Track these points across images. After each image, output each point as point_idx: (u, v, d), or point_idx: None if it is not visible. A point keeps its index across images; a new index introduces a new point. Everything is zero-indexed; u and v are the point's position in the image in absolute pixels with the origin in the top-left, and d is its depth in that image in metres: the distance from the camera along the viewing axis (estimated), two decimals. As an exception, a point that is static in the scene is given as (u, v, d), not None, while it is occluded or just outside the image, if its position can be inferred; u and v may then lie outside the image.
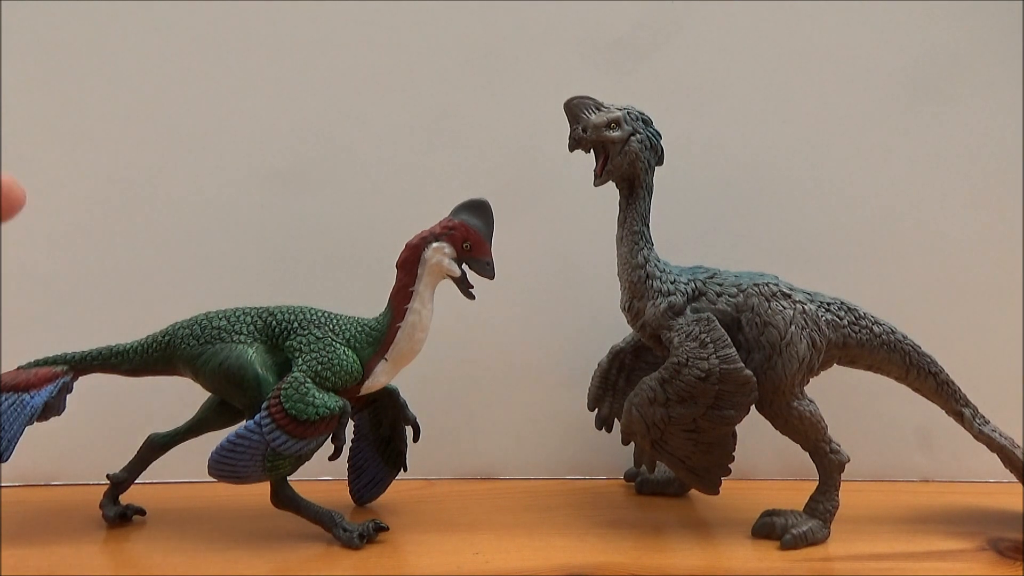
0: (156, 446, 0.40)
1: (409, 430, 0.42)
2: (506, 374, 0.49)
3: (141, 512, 0.40)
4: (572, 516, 0.42)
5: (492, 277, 0.38)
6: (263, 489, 0.38)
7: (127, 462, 0.40)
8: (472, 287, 0.38)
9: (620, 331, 0.48)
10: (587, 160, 0.39)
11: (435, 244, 0.37)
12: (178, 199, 0.46)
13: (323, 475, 0.42)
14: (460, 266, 0.38)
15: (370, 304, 0.40)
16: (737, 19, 0.49)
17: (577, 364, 0.49)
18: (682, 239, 0.47)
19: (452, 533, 0.39)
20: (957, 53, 0.50)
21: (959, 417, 0.41)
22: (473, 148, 0.48)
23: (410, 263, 0.38)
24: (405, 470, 0.43)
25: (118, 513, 0.39)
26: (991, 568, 0.37)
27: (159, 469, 0.41)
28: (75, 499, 0.44)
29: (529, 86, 0.48)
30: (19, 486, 0.45)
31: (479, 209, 0.38)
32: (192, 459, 0.42)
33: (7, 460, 0.36)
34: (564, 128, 0.39)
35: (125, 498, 0.40)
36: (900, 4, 0.50)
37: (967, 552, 0.38)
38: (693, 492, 0.45)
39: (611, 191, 0.40)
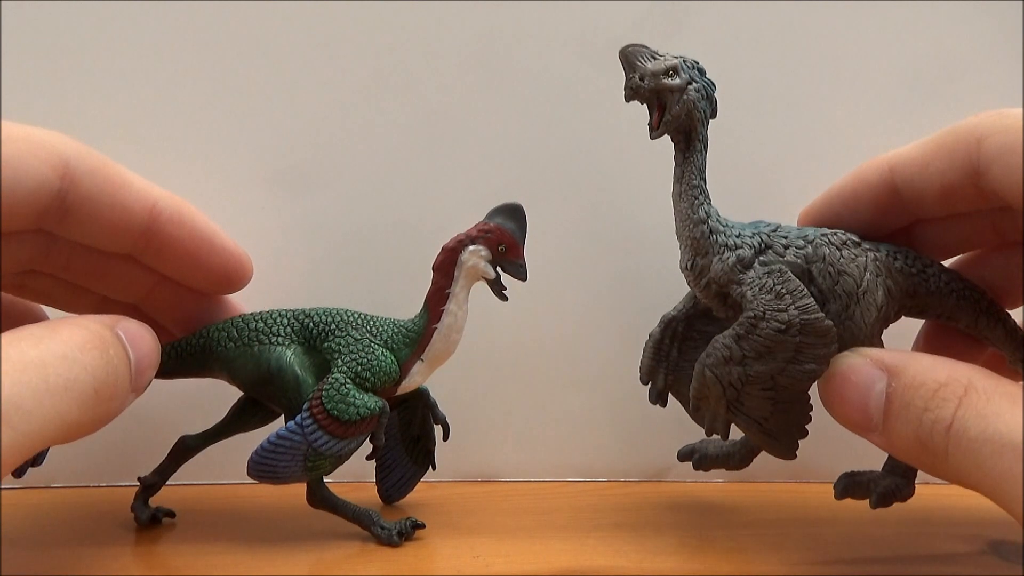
0: (187, 448, 0.41)
1: (439, 429, 0.43)
2: (507, 375, 0.48)
3: (171, 514, 0.41)
4: (574, 519, 0.42)
5: (525, 279, 0.39)
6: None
7: (154, 464, 0.41)
8: (505, 288, 0.39)
9: (621, 331, 0.48)
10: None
11: (472, 247, 0.38)
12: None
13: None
14: (495, 268, 0.38)
15: (372, 305, 0.40)
16: (737, 20, 0.49)
17: (579, 365, 0.49)
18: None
19: (452, 536, 0.39)
20: (957, 53, 0.50)
21: None
22: (473, 148, 0.48)
23: (447, 265, 0.38)
24: (434, 468, 0.44)
25: (149, 515, 0.40)
26: (992, 571, 0.37)
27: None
28: (78, 501, 0.44)
29: (529, 86, 0.48)
30: (19, 488, 0.44)
31: (514, 213, 0.39)
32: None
33: (40, 465, 0.37)
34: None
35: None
36: (900, 4, 0.50)
37: (968, 555, 0.38)
38: (692, 494, 0.45)
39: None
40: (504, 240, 0.38)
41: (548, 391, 0.49)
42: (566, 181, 0.48)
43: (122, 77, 0.46)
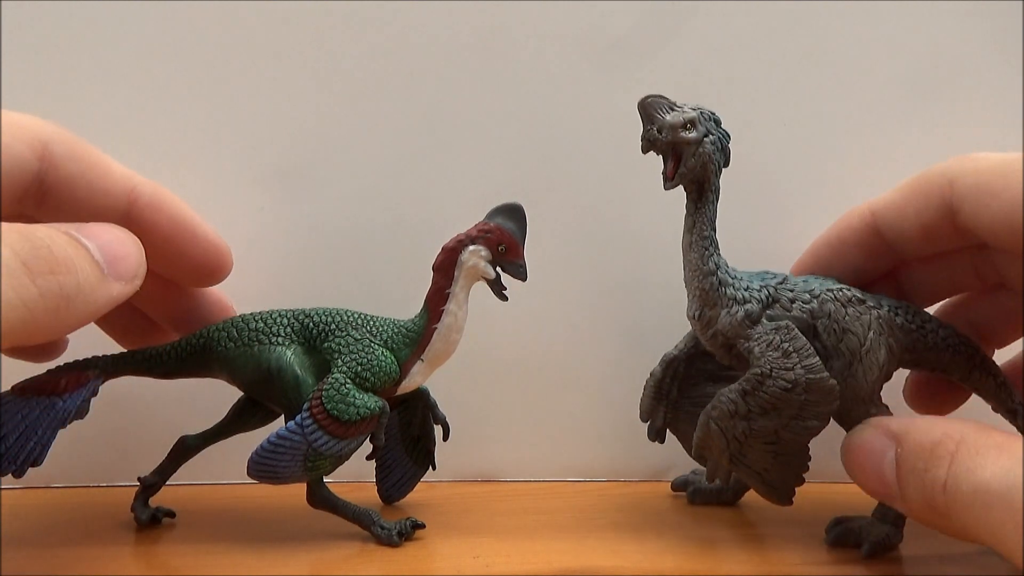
0: (187, 448, 0.41)
1: (438, 429, 0.43)
2: (507, 375, 0.48)
3: (171, 514, 0.41)
4: (574, 519, 0.42)
5: (525, 279, 0.39)
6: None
7: (154, 464, 0.41)
8: (505, 288, 0.39)
9: (621, 331, 0.48)
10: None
11: (472, 247, 0.38)
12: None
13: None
14: (495, 268, 0.38)
15: (372, 305, 0.40)
16: (737, 19, 0.49)
17: (579, 365, 0.49)
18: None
19: (452, 536, 0.39)
20: (957, 53, 0.50)
21: (1012, 416, 0.41)
22: (473, 148, 0.48)
23: (447, 266, 0.38)
24: (434, 468, 0.44)
25: (149, 515, 0.40)
26: (994, 570, 0.37)
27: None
28: (78, 501, 0.44)
29: (529, 86, 0.48)
30: (19, 488, 0.44)
31: (514, 213, 0.39)
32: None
33: (40, 465, 0.36)
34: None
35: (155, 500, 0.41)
36: (900, 4, 0.50)
37: (968, 555, 0.38)
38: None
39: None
40: (504, 240, 0.38)
41: (548, 391, 0.49)
42: (566, 181, 0.48)
43: (120, 76, 0.46)
